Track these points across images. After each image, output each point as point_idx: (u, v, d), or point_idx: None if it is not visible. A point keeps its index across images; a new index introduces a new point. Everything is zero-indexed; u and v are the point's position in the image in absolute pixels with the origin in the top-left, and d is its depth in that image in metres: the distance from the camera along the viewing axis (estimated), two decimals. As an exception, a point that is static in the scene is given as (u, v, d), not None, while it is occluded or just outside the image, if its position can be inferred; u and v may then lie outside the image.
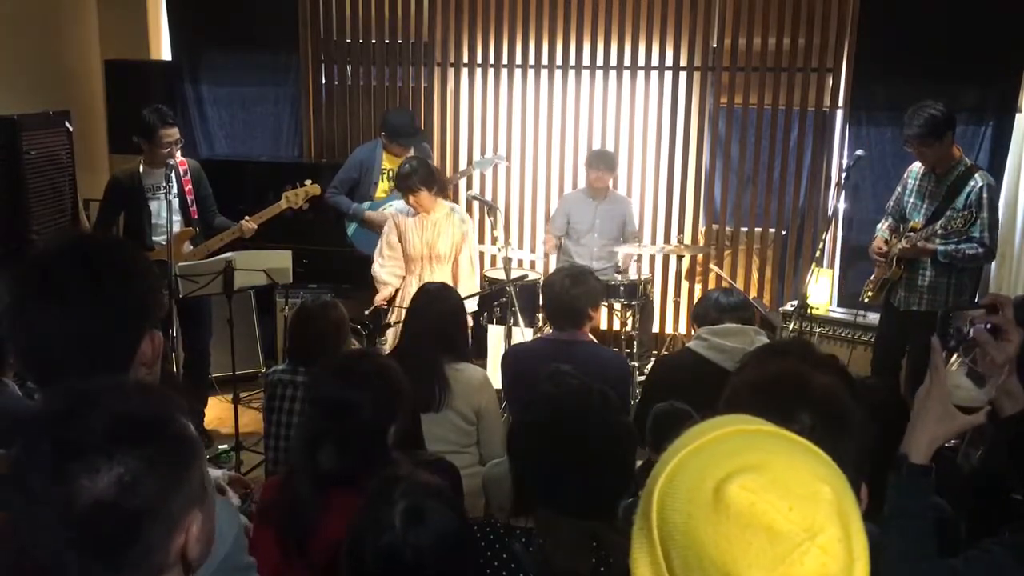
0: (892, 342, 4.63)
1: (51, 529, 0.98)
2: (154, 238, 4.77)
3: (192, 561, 1.06)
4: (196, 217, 4.90)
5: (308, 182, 5.10)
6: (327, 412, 2.09)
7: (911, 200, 4.48)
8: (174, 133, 4.71)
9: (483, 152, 6.34)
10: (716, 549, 0.81)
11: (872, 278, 4.69)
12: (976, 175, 4.27)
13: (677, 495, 0.86)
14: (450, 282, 4.70)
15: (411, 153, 5.59)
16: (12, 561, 1.06)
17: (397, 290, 4.91)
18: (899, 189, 4.61)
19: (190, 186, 4.87)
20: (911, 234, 4.34)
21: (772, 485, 0.82)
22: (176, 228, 4.77)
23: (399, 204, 4.90)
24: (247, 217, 4.89)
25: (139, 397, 1.07)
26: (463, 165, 6.44)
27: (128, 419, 1.03)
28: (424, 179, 4.65)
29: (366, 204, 5.53)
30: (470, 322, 4.52)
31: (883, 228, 4.66)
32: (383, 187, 5.51)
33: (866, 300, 4.75)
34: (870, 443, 1.36)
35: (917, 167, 4.48)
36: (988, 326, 1.61)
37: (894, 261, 4.42)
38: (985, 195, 4.20)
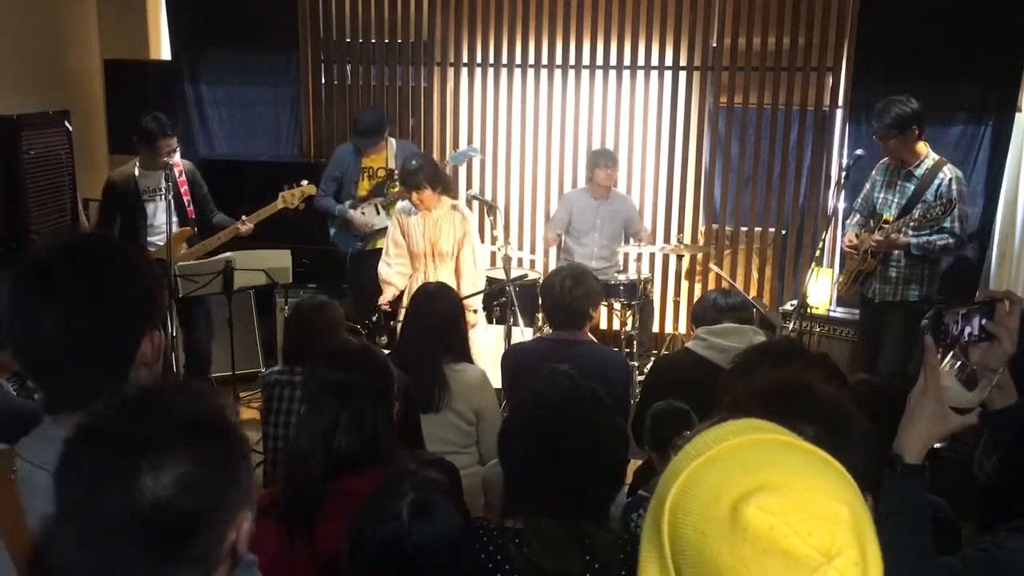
0: (873, 336, 4.68)
1: (112, 525, 0.98)
2: (149, 239, 4.79)
3: (240, 557, 1.08)
4: (192, 217, 4.92)
5: (304, 182, 5.12)
6: (335, 395, 2.10)
7: (881, 195, 4.56)
8: (174, 143, 4.80)
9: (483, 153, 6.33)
10: (731, 571, 0.80)
11: (844, 269, 4.78)
12: (944, 168, 4.35)
13: (690, 510, 0.84)
14: (453, 279, 4.71)
15: (385, 152, 5.55)
16: None
17: (402, 292, 4.90)
18: (867, 186, 4.69)
19: (186, 187, 4.90)
20: (885, 226, 4.39)
21: (792, 507, 0.81)
22: (173, 229, 4.77)
23: (403, 204, 4.90)
24: (244, 217, 4.91)
25: (198, 397, 1.09)
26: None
27: (190, 418, 1.05)
28: (429, 176, 4.65)
29: (347, 203, 5.50)
30: (472, 321, 4.52)
31: (852, 223, 4.76)
32: (364, 185, 5.50)
33: (839, 291, 4.88)
34: (876, 452, 1.34)
35: (883, 164, 4.58)
36: (983, 321, 1.60)
37: (868, 254, 4.48)
38: (955, 187, 4.29)
